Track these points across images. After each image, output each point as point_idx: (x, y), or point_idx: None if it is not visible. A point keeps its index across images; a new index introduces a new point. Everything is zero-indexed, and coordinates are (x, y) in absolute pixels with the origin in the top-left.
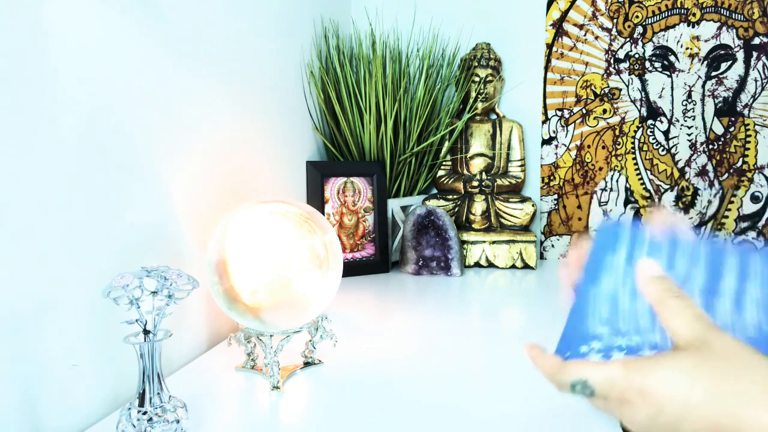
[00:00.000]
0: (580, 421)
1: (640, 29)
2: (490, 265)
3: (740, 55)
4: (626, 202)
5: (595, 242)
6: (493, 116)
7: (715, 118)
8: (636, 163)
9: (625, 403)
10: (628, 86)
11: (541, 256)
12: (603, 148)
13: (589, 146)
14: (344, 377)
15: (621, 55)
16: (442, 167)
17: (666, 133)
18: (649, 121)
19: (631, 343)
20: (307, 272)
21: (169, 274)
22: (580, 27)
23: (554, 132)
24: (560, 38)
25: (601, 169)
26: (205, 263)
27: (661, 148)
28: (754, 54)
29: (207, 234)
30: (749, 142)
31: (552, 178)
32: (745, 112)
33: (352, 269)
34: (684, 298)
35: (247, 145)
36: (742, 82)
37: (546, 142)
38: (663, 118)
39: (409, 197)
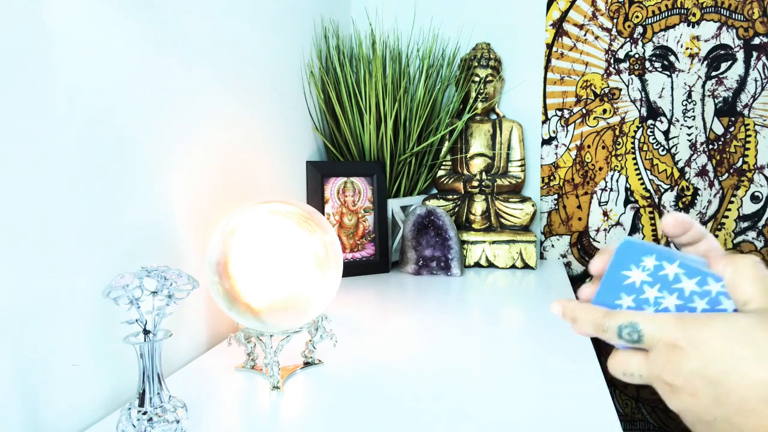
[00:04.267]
0: (580, 421)
1: (640, 29)
2: (490, 265)
3: (740, 55)
4: (626, 202)
5: (614, 259)
6: (493, 116)
7: (715, 118)
8: (636, 163)
9: (674, 351)
10: (628, 86)
11: (541, 256)
12: (603, 148)
13: (589, 146)
14: (344, 377)
15: (621, 55)
16: (442, 167)
17: (666, 133)
18: (649, 121)
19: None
20: (307, 272)
21: (169, 274)
22: (580, 27)
23: (554, 132)
24: (560, 38)
25: (601, 169)
26: (205, 263)
27: (661, 148)
28: (754, 54)
29: (206, 234)
30: (749, 142)
31: (552, 178)
32: (745, 112)
33: (352, 269)
34: (758, 264)
35: (247, 145)
36: (742, 82)
37: (546, 142)
38: (663, 118)
39: (409, 197)
